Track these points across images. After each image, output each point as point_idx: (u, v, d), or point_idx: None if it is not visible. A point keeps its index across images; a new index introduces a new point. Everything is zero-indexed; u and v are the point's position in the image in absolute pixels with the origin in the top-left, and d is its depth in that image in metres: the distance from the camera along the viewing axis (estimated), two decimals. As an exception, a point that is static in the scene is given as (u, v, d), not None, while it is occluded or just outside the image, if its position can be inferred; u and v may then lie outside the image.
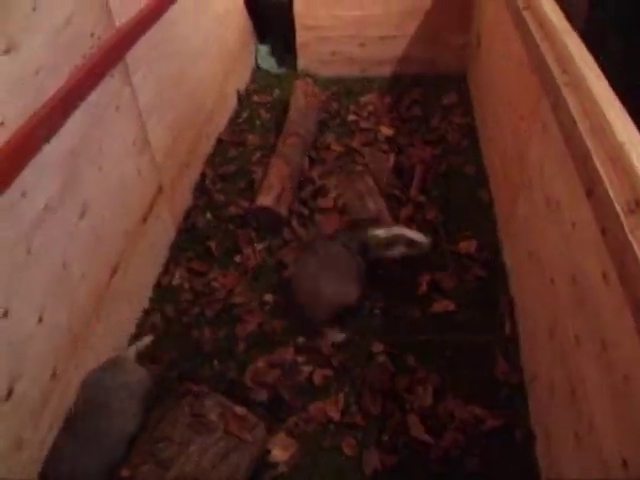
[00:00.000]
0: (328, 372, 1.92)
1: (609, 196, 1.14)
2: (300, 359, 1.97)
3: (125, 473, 1.47)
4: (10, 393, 1.37)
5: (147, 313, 2.15)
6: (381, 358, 1.94)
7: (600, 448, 1.21)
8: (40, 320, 1.50)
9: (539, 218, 1.79)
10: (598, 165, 1.23)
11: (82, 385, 1.68)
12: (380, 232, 2.11)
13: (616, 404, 1.14)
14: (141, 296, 2.16)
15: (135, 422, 1.65)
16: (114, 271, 1.91)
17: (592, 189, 1.25)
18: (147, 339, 2.00)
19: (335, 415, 1.80)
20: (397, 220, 2.47)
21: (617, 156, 1.20)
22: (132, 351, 1.93)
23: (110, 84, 1.85)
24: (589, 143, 1.30)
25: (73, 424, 1.60)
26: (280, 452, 1.71)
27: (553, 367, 1.58)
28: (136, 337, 2.05)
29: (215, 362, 1.97)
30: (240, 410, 1.64)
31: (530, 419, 1.75)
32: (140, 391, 1.72)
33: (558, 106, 1.56)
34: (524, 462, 1.67)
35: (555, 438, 1.54)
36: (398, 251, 2.11)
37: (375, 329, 2.04)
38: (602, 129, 1.28)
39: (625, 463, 1.08)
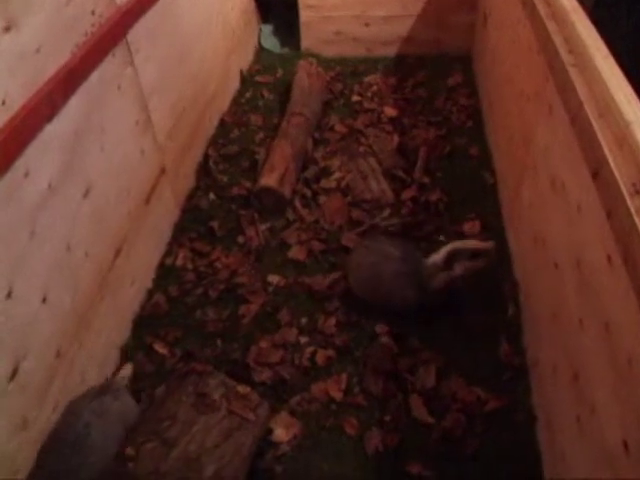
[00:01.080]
0: (331, 352, 1.93)
1: (615, 177, 1.13)
2: (303, 340, 1.98)
3: (130, 451, 1.49)
4: (15, 372, 1.38)
5: (150, 293, 2.16)
6: (384, 339, 1.95)
7: (601, 430, 1.21)
8: (44, 300, 1.51)
9: (544, 200, 1.78)
10: (604, 146, 1.21)
11: (64, 414, 1.59)
12: (435, 257, 1.90)
13: (619, 387, 1.14)
14: (144, 276, 2.16)
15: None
16: (118, 252, 1.92)
17: (598, 171, 1.24)
18: (128, 368, 1.89)
19: (337, 395, 1.81)
20: (399, 202, 2.46)
21: (623, 137, 1.19)
22: (123, 377, 1.85)
23: (112, 63, 1.83)
24: (595, 124, 1.29)
25: (45, 459, 1.50)
26: (283, 431, 1.72)
27: (556, 350, 1.58)
28: (140, 317, 2.07)
29: (218, 342, 1.98)
30: (243, 389, 1.66)
31: (532, 401, 1.76)
32: (124, 426, 1.61)
33: (564, 87, 1.54)
34: (525, 443, 1.68)
35: (556, 420, 1.55)
36: (460, 268, 1.87)
37: (378, 310, 2.04)
38: (609, 110, 1.27)
39: (626, 445, 1.09)
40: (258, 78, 3.41)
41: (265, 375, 1.86)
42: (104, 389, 1.68)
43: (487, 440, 1.68)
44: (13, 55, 1.37)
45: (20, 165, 1.38)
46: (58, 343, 1.58)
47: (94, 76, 1.72)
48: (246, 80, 3.39)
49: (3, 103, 1.32)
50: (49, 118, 1.50)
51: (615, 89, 1.30)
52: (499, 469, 1.62)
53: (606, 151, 1.20)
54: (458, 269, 1.87)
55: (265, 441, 1.68)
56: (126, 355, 1.95)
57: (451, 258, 1.87)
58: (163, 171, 2.28)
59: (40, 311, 1.49)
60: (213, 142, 2.87)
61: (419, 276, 1.93)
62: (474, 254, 1.87)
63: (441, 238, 1.94)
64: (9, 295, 1.36)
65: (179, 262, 2.27)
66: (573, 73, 1.47)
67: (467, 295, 2.03)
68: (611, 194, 1.15)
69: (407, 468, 1.64)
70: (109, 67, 1.81)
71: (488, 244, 1.89)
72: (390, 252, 2.02)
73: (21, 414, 1.42)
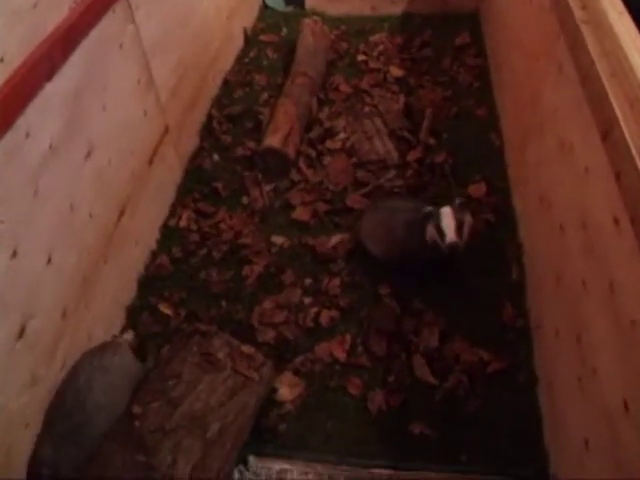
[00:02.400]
0: (335, 313, 1.94)
1: (625, 138, 1.11)
2: (307, 300, 1.99)
3: (136, 409, 1.51)
4: (23, 331, 1.40)
5: (154, 254, 2.16)
6: (388, 300, 1.96)
7: (602, 391, 1.22)
8: (49, 261, 1.51)
9: (551, 162, 1.76)
10: (615, 107, 1.19)
11: (70, 372, 1.61)
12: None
13: (621, 349, 1.15)
14: (148, 237, 2.17)
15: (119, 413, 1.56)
16: (121, 212, 1.91)
17: (608, 132, 1.22)
18: (130, 334, 1.89)
19: (341, 355, 1.83)
20: (405, 163, 2.44)
21: (636, 97, 1.16)
22: (128, 337, 1.86)
23: (112, 21, 1.79)
24: (607, 84, 1.26)
25: (55, 418, 1.53)
26: (287, 391, 1.74)
27: (559, 312, 1.58)
28: (145, 278, 2.08)
29: (223, 303, 1.99)
30: (247, 349, 1.67)
31: (534, 363, 1.77)
32: (126, 381, 1.64)
33: (575, 45, 1.50)
34: (526, 404, 1.70)
35: (558, 381, 1.56)
36: (430, 233, 1.85)
37: (382, 271, 2.04)
38: (622, 69, 1.24)
39: (626, 405, 1.10)
40: (262, 37, 3.34)
41: (269, 335, 1.88)
42: (104, 346, 1.71)
43: (489, 401, 1.70)
44: (9, 10, 1.33)
45: (21, 125, 1.37)
46: (64, 303, 1.59)
47: (94, 33, 1.68)
48: (250, 39, 3.32)
49: (2, 60, 1.30)
50: (49, 76, 1.47)
51: (629, 47, 1.26)
52: (500, 429, 1.65)
53: (617, 111, 1.18)
54: (429, 232, 1.85)
55: (269, 400, 1.70)
56: (131, 316, 1.96)
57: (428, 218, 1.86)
58: (166, 131, 2.26)
59: (45, 271, 1.50)
60: (217, 102, 2.84)
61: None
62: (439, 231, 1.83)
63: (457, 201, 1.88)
64: (14, 255, 1.36)
65: (183, 223, 2.27)
66: (585, 30, 1.43)
67: (469, 256, 2.02)
68: (621, 155, 1.14)
69: (410, 427, 1.66)
70: (109, 24, 1.77)
71: (445, 241, 1.82)
72: (401, 205, 2.03)
73: (30, 371, 1.44)
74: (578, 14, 1.51)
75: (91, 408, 1.54)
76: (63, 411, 1.54)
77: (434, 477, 1.56)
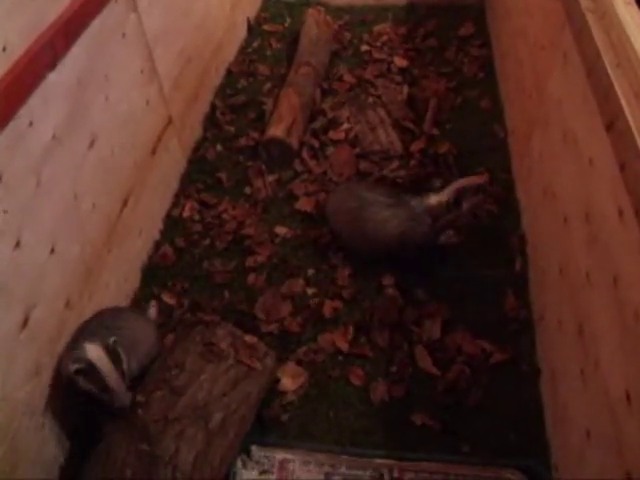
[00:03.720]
0: (338, 304, 1.94)
1: (630, 129, 1.10)
2: (310, 291, 1.99)
3: (140, 398, 1.52)
4: (26, 321, 1.40)
5: (158, 244, 2.16)
6: (390, 291, 1.96)
7: (605, 383, 1.22)
8: (52, 251, 1.51)
9: (555, 153, 1.75)
10: (620, 97, 1.18)
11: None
12: (440, 197, 1.91)
13: (624, 340, 1.14)
14: (152, 228, 2.17)
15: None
16: (125, 203, 1.91)
17: (612, 122, 1.21)
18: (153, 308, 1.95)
19: (344, 346, 1.83)
20: (408, 153, 2.43)
21: (641, 88, 1.15)
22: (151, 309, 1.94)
23: (115, 9, 1.79)
24: (612, 74, 1.25)
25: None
26: (289, 381, 1.75)
27: (562, 304, 1.58)
28: (148, 268, 2.09)
29: (226, 293, 1.99)
30: (250, 339, 1.68)
31: (536, 354, 1.77)
32: (150, 334, 1.72)
33: (581, 36, 1.49)
34: (528, 395, 1.70)
35: (560, 373, 1.56)
36: (467, 205, 1.90)
37: (385, 262, 2.04)
38: (628, 60, 1.23)
39: (629, 397, 1.10)
40: (266, 27, 3.32)
41: (272, 325, 1.88)
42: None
43: (491, 392, 1.71)
44: (11, -1, 1.33)
45: (24, 114, 1.37)
46: (67, 293, 1.60)
47: (97, 22, 1.67)
48: (253, 29, 3.30)
49: (4, 50, 1.29)
50: (51, 66, 1.47)
51: (635, 37, 1.25)
52: (502, 420, 1.65)
53: (622, 102, 1.17)
54: (466, 206, 1.90)
55: (272, 390, 1.71)
56: (135, 305, 1.97)
57: (460, 196, 1.89)
58: (169, 122, 2.25)
59: (49, 261, 1.50)
60: (220, 92, 2.83)
61: (416, 221, 1.92)
62: (474, 189, 1.91)
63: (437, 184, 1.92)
64: (17, 245, 1.36)
65: (186, 213, 2.27)
66: (591, 19, 1.42)
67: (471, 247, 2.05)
68: (625, 146, 1.13)
69: (412, 418, 1.67)
70: (112, 13, 1.77)
71: (484, 177, 1.95)
72: (373, 198, 1.99)
73: (34, 361, 1.45)
74: (584, 3, 1.49)
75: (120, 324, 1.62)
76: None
77: (436, 467, 1.57)
